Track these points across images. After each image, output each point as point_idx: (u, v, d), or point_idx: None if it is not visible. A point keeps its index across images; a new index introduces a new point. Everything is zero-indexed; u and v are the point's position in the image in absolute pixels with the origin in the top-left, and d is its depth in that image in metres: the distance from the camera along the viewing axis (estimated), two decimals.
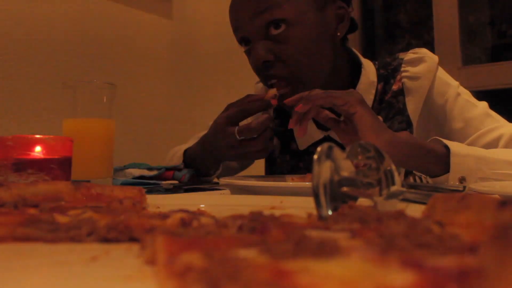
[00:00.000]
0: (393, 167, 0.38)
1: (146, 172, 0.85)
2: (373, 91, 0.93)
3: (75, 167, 0.60)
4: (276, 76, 0.85)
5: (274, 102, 0.81)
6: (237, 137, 0.80)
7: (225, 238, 0.25)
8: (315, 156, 0.34)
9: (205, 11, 1.88)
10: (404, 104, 0.91)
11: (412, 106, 0.91)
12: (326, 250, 0.19)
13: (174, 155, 1.01)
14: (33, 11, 1.25)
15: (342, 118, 0.75)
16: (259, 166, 1.27)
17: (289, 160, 1.03)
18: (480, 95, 1.00)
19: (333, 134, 0.92)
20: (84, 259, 0.25)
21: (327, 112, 0.76)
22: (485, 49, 2.20)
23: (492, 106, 0.92)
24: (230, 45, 1.99)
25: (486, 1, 2.22)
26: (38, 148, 0.55)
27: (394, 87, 0.93)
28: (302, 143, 1.00)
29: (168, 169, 0.88)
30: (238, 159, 0.88)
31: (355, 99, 0.69)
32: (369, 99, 0.92)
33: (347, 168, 0.36)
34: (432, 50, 2.04)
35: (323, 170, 0.34)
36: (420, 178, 0.83)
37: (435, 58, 0.92)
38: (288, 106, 0.76)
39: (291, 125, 0.73)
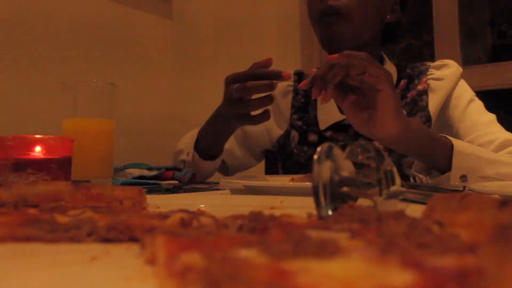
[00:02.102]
0: (393, 167, 0.38)
1: (146, 172, 0.85)
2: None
3: (75, 167, 0.60)
4: (333, 30, 0.91)
5: (286, 74, 0.80)
6: (235, 93, 0.82)
7: (225, 238, 0.25)
8: (315, 156, 0.34)
9: (205, 11, 1.88)
10: (427, 102, 0.99)
11: (434, 103, 0.98)
12: (326, 250, 0.19)
13: (188, 137, 1.03)
14: (33, 11, 1.25)
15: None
16: (259, 166, 1.27)
17: (306, 151, 1.06)
18: (480, 95, 1.03)
19: None
20: (84, 259, 0.25)
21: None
22: (485, 49, 2.20)
23: (492, 106, 0.96)
24: (230, 45, 1.99)
25: (486, 1, 2.22)
26: (38, 148, 0.55)
27: (420, 87, 1.01)
28: (323, 121, 1.04)
29: (168, 169, 0.88)
30: (237, 120, 0.88)
31: (387, 77, 0.67)
32: None
33: (347, 168, 0.36)
34: (432, 50, 2.04)
35: (323, 170, 0.34)
36: (420, 178, 0.83)
37: (460, 68, 1.01)
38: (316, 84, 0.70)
39: (314, 95, 0.68)
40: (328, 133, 1.03)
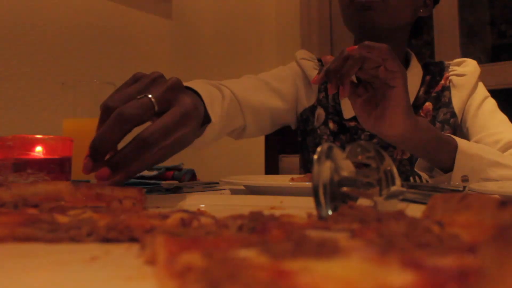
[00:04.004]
0: (393, 167, 0.38)
1: (146, 172, 0.85)
2: (419, 79, 1.02)
3: (75, 167, 0.60)
4: (373, 22, 0.91)
5: None
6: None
7: (225, 238, 0.25)
8: (315, 156, 0.34)
9: (205, 11, 1.88)
10: (450, 98, 1.00)
11: (458, 99, 1.00)
12: (326, 250, 0.19)
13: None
14: (33, 11, 1.25)
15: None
16: (259, 166, 1.26)
17: (329, 135, 1.04)
18: None
19: None
20: (84, 259, 0.25)
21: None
22: (485, 49, 2.20)
23: None
24: (229, 45, 1.99)
25: (486, 1, 2.22)
26: (38, 148, 0.55)
27: (442, 83, 1.02)
28: (347, 110, 1.01)
29: (168, 169, 0.88)
30: None
31: (402, 74, 0.65)
32: (417, 81, 1.01)
33: (347, 168, 0.36)
34: (432, 50, 2.04)
35: (323, 170, 0.34)
36: (420, 178, 0.83)
37: (478, 66, 1.03)
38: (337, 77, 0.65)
39: (331, 90, 0.65)
40: (352, 123, 1.01)
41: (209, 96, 0.74)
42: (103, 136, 0.46)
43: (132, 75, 0.53)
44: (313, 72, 1.06)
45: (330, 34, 2.29)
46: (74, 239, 0.30)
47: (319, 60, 1.10)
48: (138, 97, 0.47)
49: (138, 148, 0.46)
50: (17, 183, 0.49)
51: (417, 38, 1.12)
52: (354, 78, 0.71)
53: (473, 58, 1.05)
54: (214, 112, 0.75)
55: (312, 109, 1.07)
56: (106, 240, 0.30)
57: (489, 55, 2.18)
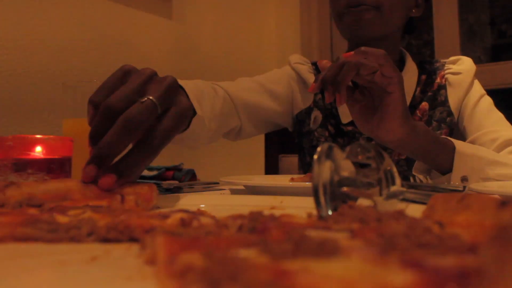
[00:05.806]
0: (393, 167, 0.38)
1: (146, 172, 0.85)
2: (415, 78, 1.01)
3: (75, 167, 0.60)
4: (363, 20, 0.91)
5: None
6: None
7: (225, 238, 0.25)
8: (315, 156, 0.34)
9: (205, 11, 1.88)
10: (446, 97, 1.00)
11: (454, 97, 0.99)
12: (326, 250, 0.19)
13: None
14: (33, 11, 1.25)
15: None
16: (259, 166, 1.26)
17: (327, 137, 1.03)
18: None
19: None
20: (84, 259, 0.25)
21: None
22: (485, 49, 2.20)
23: None
24: (230, 45, 1.99)
25: (486, 1, 2.22)
26: (38, 148, 0.55)
27: (438, 82, 1.02)
28: (345, 115, 1.00)
29: (168, 169, 0.88)
30: None
31: (398, 79, 0.65)
32: (413, 81, 1.00)
33: (347, 168, 0.36)
34: (432, 50, 2.04)
35: (323, 170, 0.34)
36: (420, 179, 0.83)
37: (474, 64, 1.03)
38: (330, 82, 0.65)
39: (328, 98, 0.65)
40: (349, 128, 1.00)
41: (197, 92, 0.75)
42: (112, 143, 0.44)
43: (120, 68, 0.52)
44: (308, 75, 1.05)
45: (330, 35, 2.29)
46: (74, 239, 0.30)
47: (313, 64, 1.09)
48: (141, 100, 0.46)
49: (145, 155, 0.45)
50: (27, 181, 0.49)
51: (414, 37, 1.12)
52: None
53: (473, 58, 1.04)
54: (202, 106, 0.75)
55: (308, 110, 1.06)
56: (106, 240, 0.30)
57: (489, 55, 2.19)
